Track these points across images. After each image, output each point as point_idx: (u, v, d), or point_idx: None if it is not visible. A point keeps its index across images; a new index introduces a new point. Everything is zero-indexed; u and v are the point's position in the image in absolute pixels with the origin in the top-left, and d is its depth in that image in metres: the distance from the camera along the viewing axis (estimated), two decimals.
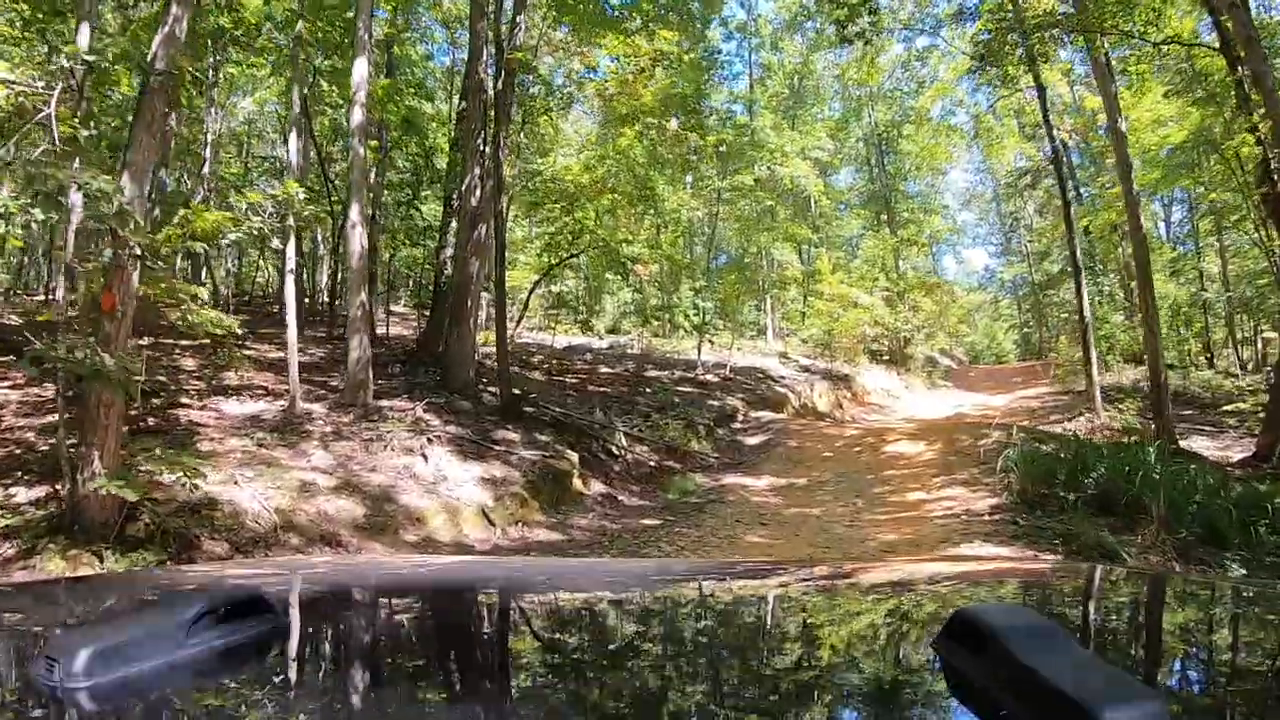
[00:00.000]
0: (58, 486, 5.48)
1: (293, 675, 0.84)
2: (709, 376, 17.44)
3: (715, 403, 15.21)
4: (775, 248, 22.65)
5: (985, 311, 47.98)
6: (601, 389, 15.10)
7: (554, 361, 17.09)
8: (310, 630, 1.03)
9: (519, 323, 18.70)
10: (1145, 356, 13.39)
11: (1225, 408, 13.81)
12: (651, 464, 11.73)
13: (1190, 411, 14.81)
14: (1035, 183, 26.16)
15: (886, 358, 23.93)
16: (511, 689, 0.79)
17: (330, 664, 0.90)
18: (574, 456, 10.10)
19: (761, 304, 26.14)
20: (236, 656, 0.77)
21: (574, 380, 15.41)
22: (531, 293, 18.94)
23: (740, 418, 15.01)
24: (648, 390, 14.94)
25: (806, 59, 30.39)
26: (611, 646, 0.96)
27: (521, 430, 10.56)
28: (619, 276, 17.86)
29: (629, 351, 20.33)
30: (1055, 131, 15.66)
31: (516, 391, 11.41)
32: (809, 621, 1.10)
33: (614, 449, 11.70)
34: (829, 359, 21.79)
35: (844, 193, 34.44)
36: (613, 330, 24.13)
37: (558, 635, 1.04)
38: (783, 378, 19.30)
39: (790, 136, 25.22)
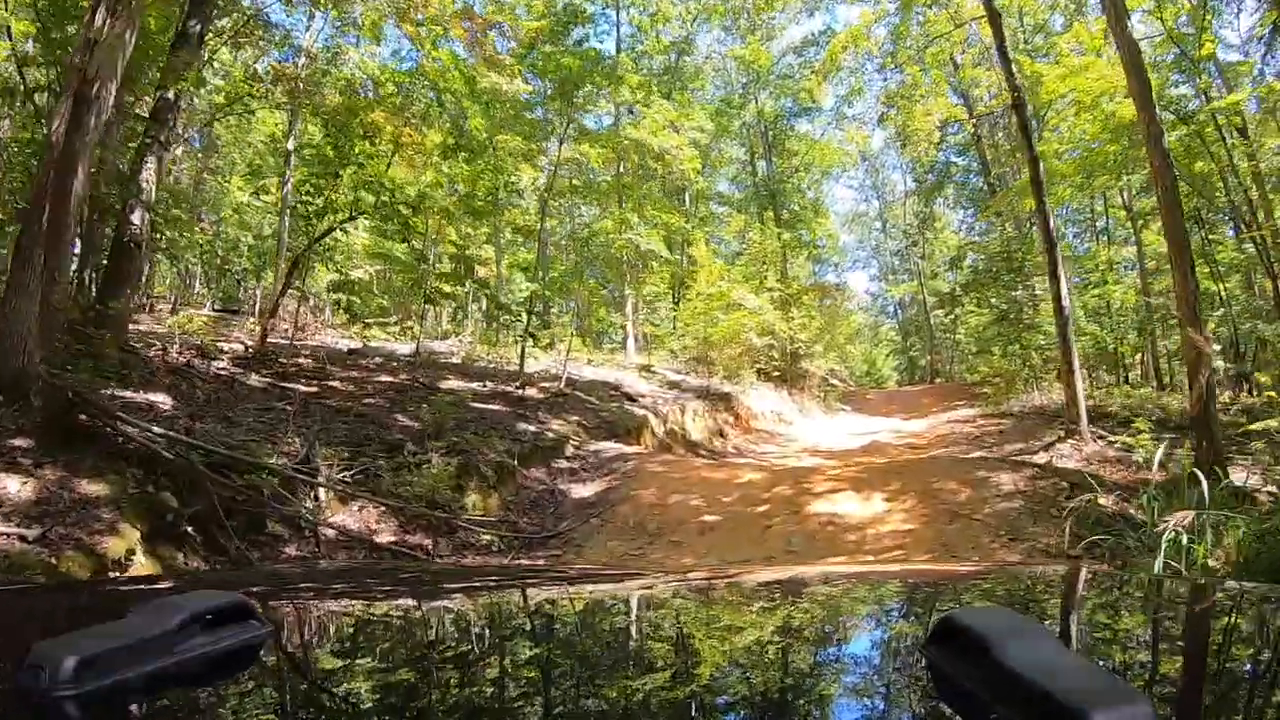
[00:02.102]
0: None
1: (277, 683, 0.84)
2: (531, 392, 12.11)
3: (531, 428, 9.86)
4: (637, 233, 17.50)
5: (864, 336, 45.22)
6: (363, 402, 9.47)
7: (317, 366, 11.24)
8: (295, 638, 1.01)
9: (294, 319, 12.81)
10: (1184, 360, 9.12)
11: (1253, 427, 9.66)
12: (378, 540, 6.24)
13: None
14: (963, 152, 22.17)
15: (777, 374, 19.31)
16: (498, 695, 0.79)
17: (314, 672, 0.88)
18: (134, 534, 4.53)
19: (623, 306, 21.02)
20: (222, 664, 0.77)
21: (323, 389, 9.69)
22: (295, 269, 12.90)
23: (570, 451, 9.71)
24: (424, 407, 9.37)
25: (689, 23, 26.02)
26: (590, 658, 0.93)
27: (62, 468, 4.94)
28: (398, 239, 12.25)
29: (442, 359, 14.67)
30: (1012, 66, 11.43)
31: (77, 397, 5.62)
32: (794, 627, 1.09)
33: (303, 511, 6.13)
34: (706, 374, 16.91)
35: (728, 196, 30.23)
36: (444, 336, 18.51)
37: (545, 643, 1.01)
38: (642, 396, 14.19)
39: (662, 106, 20.47)
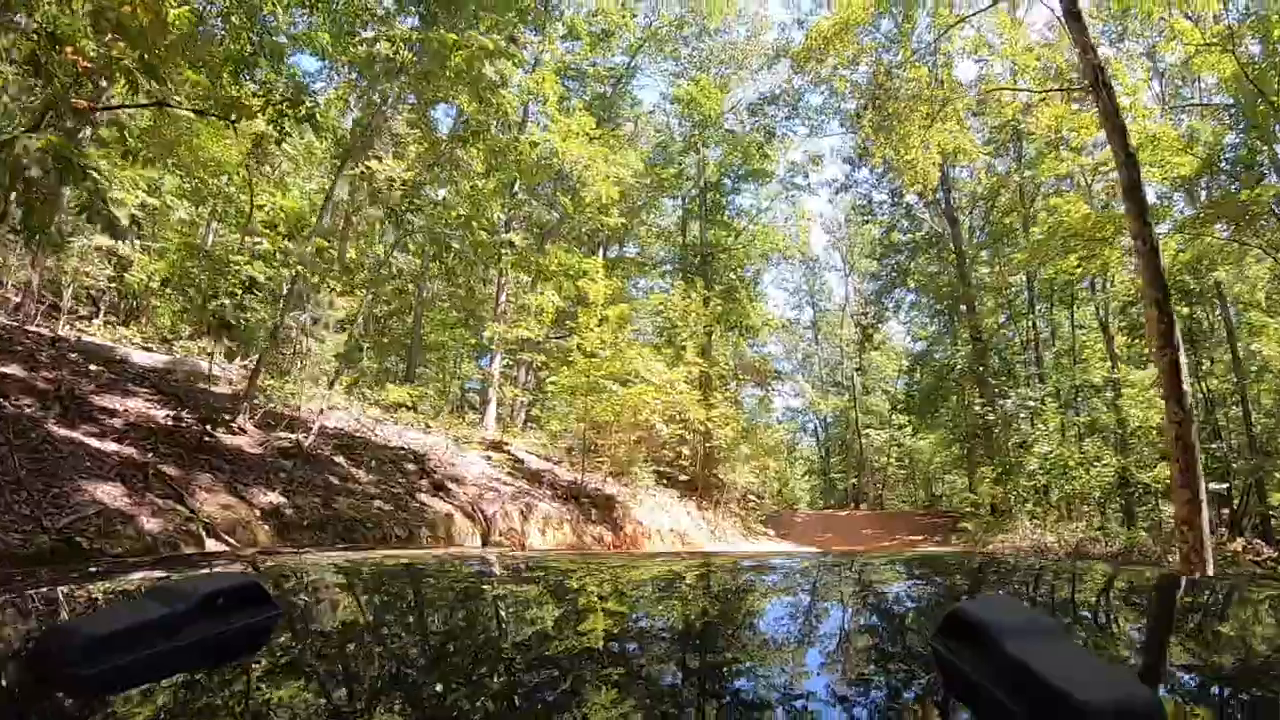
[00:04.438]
0: None
1: (288, 665, 0.82)
2: (242, 440, 6.67)
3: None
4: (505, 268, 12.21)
5: (779, 453, 40.76)
6: None
7: None
8: (306, 620, 1.00)
9: None
10: None
11: None
12: None
13: None
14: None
15: (684, 480, 14.13)
16: (507, 678, 0.78)
17: (325, 653, 0.87)
18: None
19: (490, 361, 15.56)
20: (234, 646, 0.77)
21: None
22: None
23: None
24: None
25: (632, 51, 21.92)
26: (582, 644, 0.92)
27: None
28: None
29: (116, 357, 9.04)
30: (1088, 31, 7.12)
31: None
32: (798, 613, 1.08)
33: None
34: (584, 465, 11.61)
35: (649, 259, 25.62)
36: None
37: (553, 625, 1.00)
38: (459, 481, 8.83)
39: (582, 119, 15.81)
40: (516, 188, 17.43)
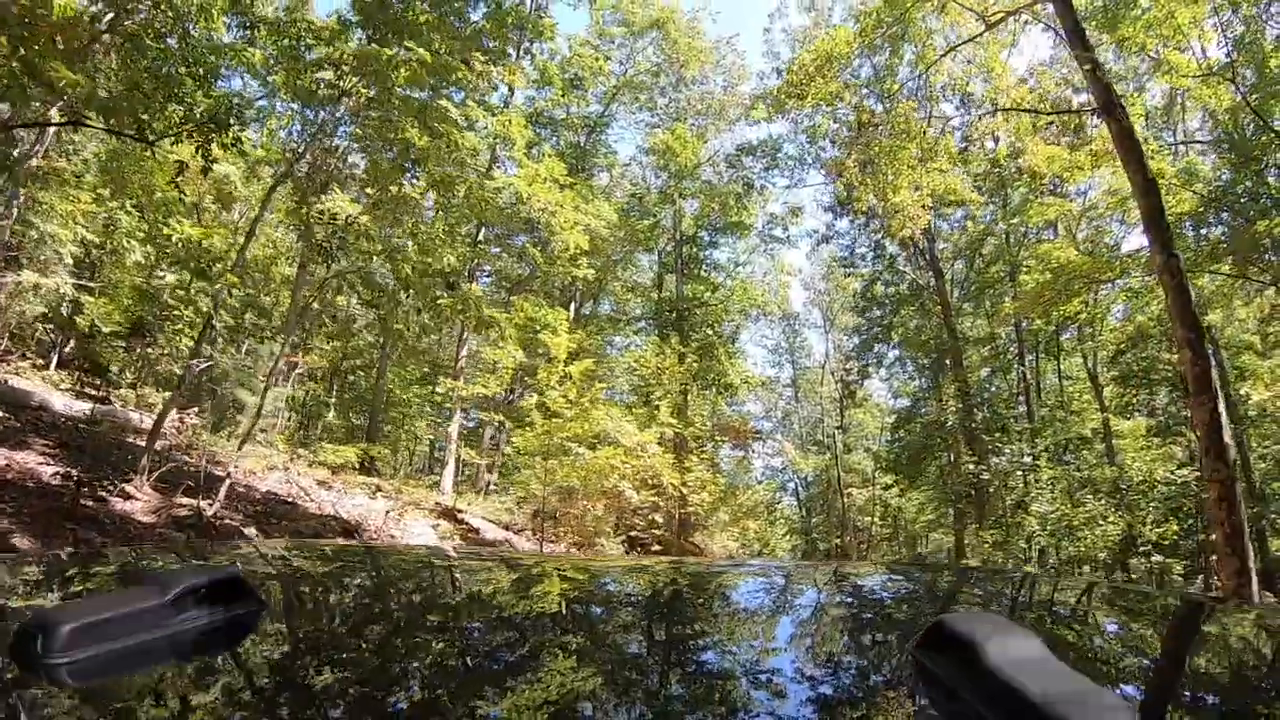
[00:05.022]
0: None
1: (268, 656, 0.81)
2: (132, 506, 5.51)
3: None
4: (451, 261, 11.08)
5: (758, 514, 39.49)
6: None
7: None
8: (289, 611, 1.00)
9: None
10: None
11: None
12: None
13: None
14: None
15: (657, 549, 12.98)
16: (491, 670, 0.78)
17: (306, 644, 0.86)
18: None
19: (446, 421, 14.37)
20: (215, 636, 0.76)
21: None
22: None
23: None
24: None
25: (607, 99, 21.45)
26: (566, 647, 0.89)
27: None
28: None
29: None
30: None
31: None
32: (779, 623, 1.07)
33: None
34: (543, 536, 10.44)
35: (623, 316, 24.73)
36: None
37: (541, 624, 0.99)
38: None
39: (552, 164, 15.08)
40: (482, 235, 16.56)
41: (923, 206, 10.44)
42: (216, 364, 7.18)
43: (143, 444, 8.16)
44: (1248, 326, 15.81)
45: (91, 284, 12.32)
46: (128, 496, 6.63)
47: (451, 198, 9.06)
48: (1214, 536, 6.53)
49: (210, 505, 6.52)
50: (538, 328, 13.14)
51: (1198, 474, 13.38)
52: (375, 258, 8.19)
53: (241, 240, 7.96)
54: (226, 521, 6.62)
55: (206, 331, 7.06)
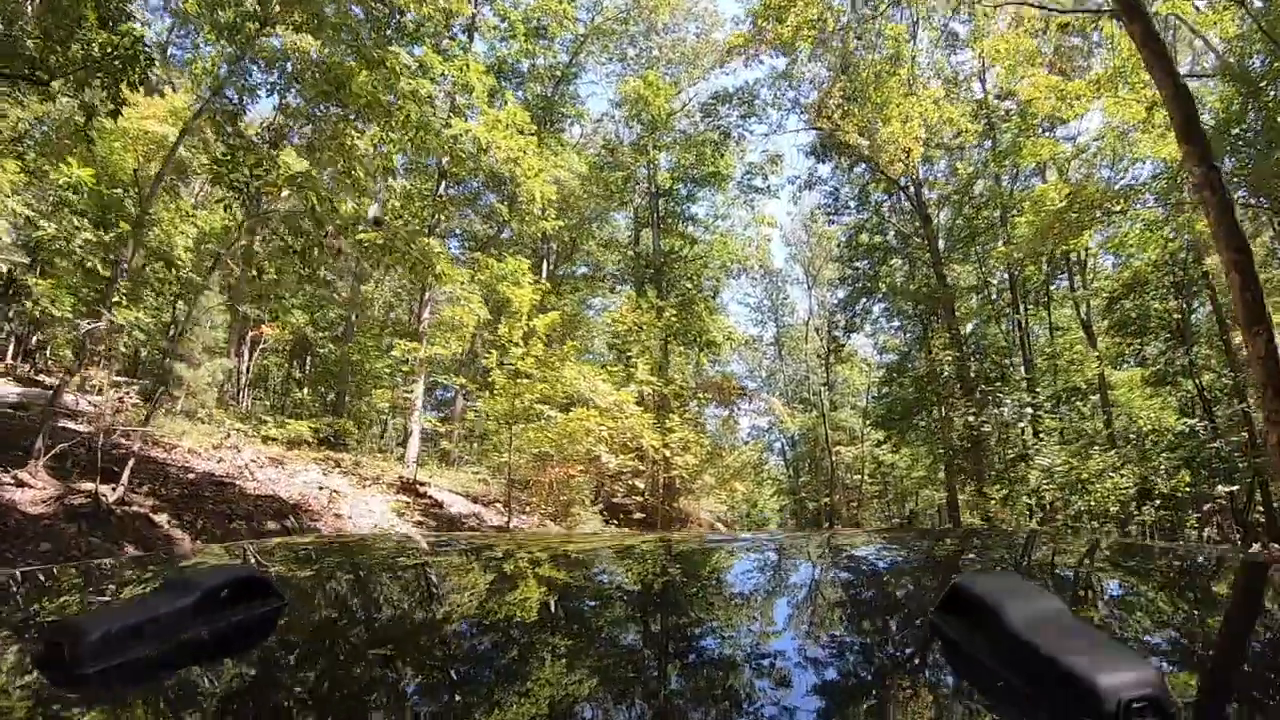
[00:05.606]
0: None
1: (293, 655, 0.81)
2: (21, 497, 4.61)
3: None
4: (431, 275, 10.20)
5: (746, 474, 39.04)
6: None
7: None
8: (313, 612, 0.98)
9: None
10: None
11: None
12: None
13: None
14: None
15: (640, 516, 12.28)
16: (512, 664, 0.76)
17: (330, 643, 0.85)
18: None
19: (407, 386, 13.45)
20: (240, 637, 0.77)
21: None
22: None
23: None
24: None
25: (575, 49, 20.26)
26: (585, 626, 0.91)
27: None
28: None
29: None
30: None
31: None
32: (800, 590, 1.08)
33: None
34: (511, 509, 9.68)
35: (598, 275, 23.76)
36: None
37: (563, 614, 0.97)
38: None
39: (514, 110, 14.00)
40: (444, 190, 15.54)
41: (914, 139, 9.57)
42: (114, 323, 6.27)
43: (81, 430, 7.28)
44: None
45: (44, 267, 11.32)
46: (21, 484, 5.78)
47: (391, 129, 8.09)
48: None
49: (113, 490, 5.68)
50: (496, 279, 12.20)
51: (1205, 423, 12.82)
52: (284, 190, 7.27)
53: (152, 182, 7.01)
54: (134, 509, 5.78)
55: (109, 289, 6.16)
